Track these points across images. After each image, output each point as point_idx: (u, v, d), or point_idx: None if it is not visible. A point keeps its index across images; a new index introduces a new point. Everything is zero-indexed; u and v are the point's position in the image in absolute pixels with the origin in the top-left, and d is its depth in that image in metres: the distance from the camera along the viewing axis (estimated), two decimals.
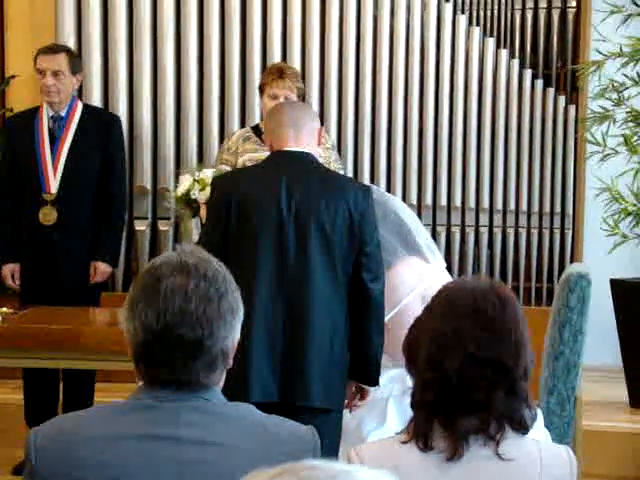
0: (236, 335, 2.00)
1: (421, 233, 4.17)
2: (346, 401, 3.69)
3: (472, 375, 2.09)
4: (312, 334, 3.52)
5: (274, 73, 4.91)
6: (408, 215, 4.17)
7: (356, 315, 3.59)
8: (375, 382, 3.67)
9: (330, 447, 3.36)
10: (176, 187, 5.41)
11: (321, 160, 3.86)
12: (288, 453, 1.96)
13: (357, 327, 3.60)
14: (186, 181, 5.15)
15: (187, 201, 5.13)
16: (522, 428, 2.13)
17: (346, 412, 3.71)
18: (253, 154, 4.79)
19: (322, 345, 3.53)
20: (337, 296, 3.56)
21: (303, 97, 5.03)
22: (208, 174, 5.04)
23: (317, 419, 3.25)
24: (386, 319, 3.77)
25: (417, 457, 2.09)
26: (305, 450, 1.99)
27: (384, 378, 3.82)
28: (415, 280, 4.00)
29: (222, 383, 2.03)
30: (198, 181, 5.09)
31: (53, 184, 5.02)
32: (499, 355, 2.10)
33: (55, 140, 5.05)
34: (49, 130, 5.06)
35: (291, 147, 3.65)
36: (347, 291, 3.58)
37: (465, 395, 2.09)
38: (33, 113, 5.13)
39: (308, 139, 3.68)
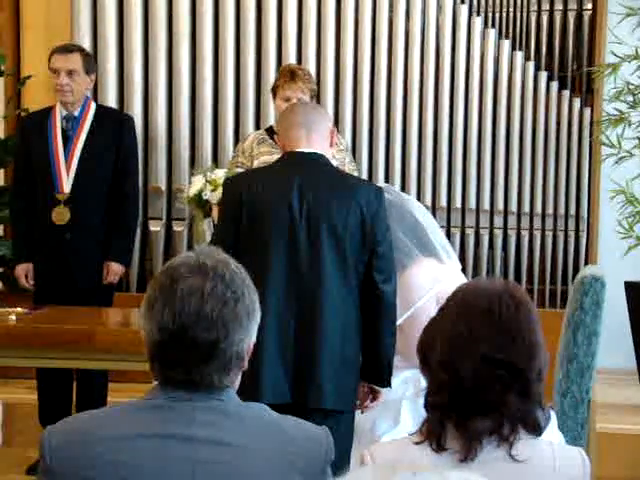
0: (252, 338, 1.99)
1: (437, 234, 4.16)
2: (358, 402, 3.68)
3: (486, 377, 2.09)
4: (324, 335, 3.51)
5: (286, 75, 4.90)
6: (424, 216, 4.16)
7: (368, 316, 3.58)
8: (387, 383, 3.66)
9: (342, 448, 3.35)
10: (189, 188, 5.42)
11: (335, 162, 3.84)
12: (302, 454, 1.96)
13: (369, 328, 3.59)
14: (198, 182, 5.15)
15: (198, 202, 5.13)
16: (535, 430, 2.12)
17: (359, 413, 3.70)
18: (268, 157, 4.77)
19: (334, 346, 3.52)
20: (349, 297, 3.55)
21: (317, 98, 5.02)
22: (220, 175, 5.04)
23: (329, 420, 3.24)
24: (401, 320, 3.76)
25: (430, 458, 2.09)
26: (319, 451, 1.99)
27: (398, 380, 3.81)
28: (430, 281, 3.99)
29: (237, 385, 2.02)
30: (210, 182, 5.08)
31: (66, 184, 5.03)
32: (513, 357, 2.10)
33: (68, 140, 5.05)
34: (62, 130, 5.07)
35: (303, 148, 3.63)
36: (359, 292, 3.58)
37: (478, 396, 2.09)
38: (46, 113, 5.14)
39: (320, 140, 3.66)
